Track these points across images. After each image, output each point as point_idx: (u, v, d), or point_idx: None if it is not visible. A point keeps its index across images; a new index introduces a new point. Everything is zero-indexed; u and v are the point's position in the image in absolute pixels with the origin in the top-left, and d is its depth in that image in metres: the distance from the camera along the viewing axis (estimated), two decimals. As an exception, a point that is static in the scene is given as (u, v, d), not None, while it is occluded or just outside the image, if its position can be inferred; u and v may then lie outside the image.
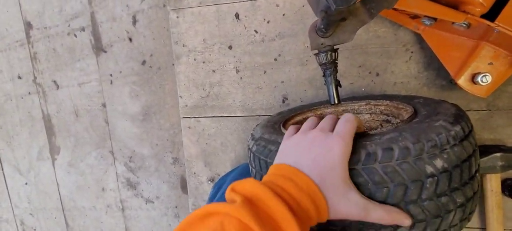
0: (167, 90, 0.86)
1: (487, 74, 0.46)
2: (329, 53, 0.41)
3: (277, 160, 0.34)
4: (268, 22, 0.65)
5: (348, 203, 0.28)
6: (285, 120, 0.52)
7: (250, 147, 0.44)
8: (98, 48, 0.89)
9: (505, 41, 0.43)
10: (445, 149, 0.31)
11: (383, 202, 0.30)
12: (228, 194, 0.29)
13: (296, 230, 0.25)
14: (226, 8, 0.67)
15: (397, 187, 0.30)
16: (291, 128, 0.38)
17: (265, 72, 0.68)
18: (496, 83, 0.48)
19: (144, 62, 0.86)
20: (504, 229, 0.60)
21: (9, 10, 0.94)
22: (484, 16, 0.42)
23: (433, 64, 0.53)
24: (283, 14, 0.64)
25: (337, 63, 0.43)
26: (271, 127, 0.48)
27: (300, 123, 0.54)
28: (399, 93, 0.61)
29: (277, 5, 0.64)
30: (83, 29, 0.89)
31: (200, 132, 0.77)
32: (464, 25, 0.42)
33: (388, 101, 0.50)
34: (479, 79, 0.47)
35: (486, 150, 0.56)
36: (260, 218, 0.24)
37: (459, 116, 0.36)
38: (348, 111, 0.57)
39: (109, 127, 0.95)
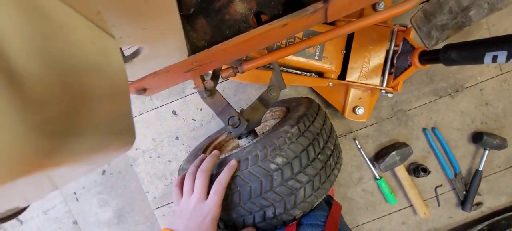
0: (133, 188, 0.94)
1: (360, 107, 0.65)
2: (250, 135, 0.55)
3: (170, 224, 0.41)
4: (201, 109, 0.79)
5: None
6: (206, 146, 0.64)
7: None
8: (56, 173, 0.94)
9: (357, 86, 0.62)
10: (283, 148, 0.42)
11: (249, 197, 0.41)
12: None
13: None
14: (164, 109, 0.79)
15: (255, 183, 0.41)
16: (177, 191, 0.45)
17: (211, 148, 0.81)
18: (370, 108, 0.67)
19: (104, 172, 0.93)
20: (424, 200, 0.78)
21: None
22: (340, 76, 0.61)
23: (331, 104, 0.71)
24: (211, 99, 0.79)
25: (257, 135, 0.57)
26: (195, 155, 0.59)
27: (216, 147, 0.68)
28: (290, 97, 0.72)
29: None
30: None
31: (173, 215, 0.85)
32: (330, 84, 0.60)
33: (280, 106, 0.64)
34: (357, 111, 0.65)
35: (387, 151, 0.74)
36: None
37: (301, 117, 0.46)
38: None
39: (86, 240, 0.98)
